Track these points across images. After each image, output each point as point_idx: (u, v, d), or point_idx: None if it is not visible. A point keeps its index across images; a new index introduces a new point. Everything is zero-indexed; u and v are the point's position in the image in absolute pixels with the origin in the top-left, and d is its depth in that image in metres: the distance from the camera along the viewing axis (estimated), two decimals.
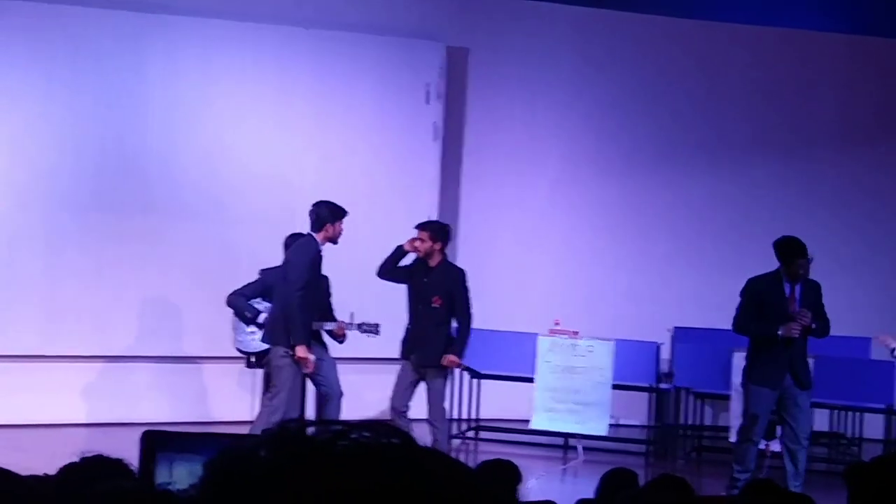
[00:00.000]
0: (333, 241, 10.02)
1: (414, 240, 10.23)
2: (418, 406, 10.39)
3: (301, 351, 9.74)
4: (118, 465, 3.37)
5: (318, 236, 9.95)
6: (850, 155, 14.19)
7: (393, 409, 10.34)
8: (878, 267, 13.94)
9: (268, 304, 10.45)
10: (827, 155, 14.21)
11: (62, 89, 11.78)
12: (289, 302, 9.80)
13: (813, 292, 9.84)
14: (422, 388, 10.39)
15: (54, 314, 11.66)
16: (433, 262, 10.21)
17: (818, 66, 14.24)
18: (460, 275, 10.33)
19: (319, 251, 9.96)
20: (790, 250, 9.83)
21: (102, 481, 2.89)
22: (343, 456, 0.97)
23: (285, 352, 9.78)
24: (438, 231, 10.31)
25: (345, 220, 10.07)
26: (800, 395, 9.72)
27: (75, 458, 3.43)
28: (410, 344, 10.29)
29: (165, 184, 12.09)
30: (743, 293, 9.99)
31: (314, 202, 10.12)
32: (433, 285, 10.20)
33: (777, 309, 9.77)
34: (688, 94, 14.09)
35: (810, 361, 10.27)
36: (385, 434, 1.01)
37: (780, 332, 9.64)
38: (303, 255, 9.88)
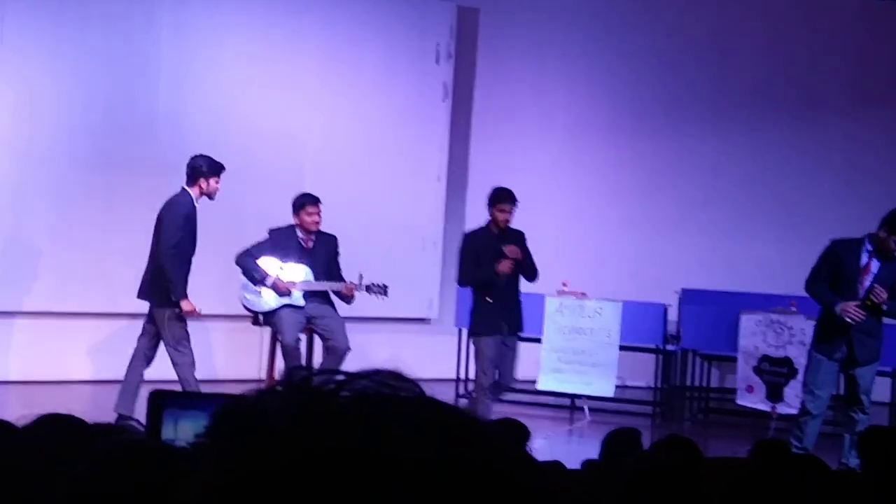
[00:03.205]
0: (210, 196, 9.81)
1: (508, 262, 9.87)
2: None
3: (186, 305, 9.60)
4: (74, 422, 3.38)
5: (193, 191, 9.74)
6: (861, 117, 14.13)
7: (485, 388, 10.11)
8: None
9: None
10: (837, 117, 14.16)
11: (71, 48, 11.76)
12: (164, 261, 9.64)
13: (894, 271, 9.37)
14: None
15: (62, 271, 11.68)
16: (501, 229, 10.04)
17: (830, 28, 14.17)
18: (522, 234, 10.23)
19: (194, 206, 9.73)
20: None
21: (61, 440, 2.92)
22: (346, 406, 0.98)
23: (172, 311, 9.67)
24: None
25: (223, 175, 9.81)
26: (857, 369, 9.49)
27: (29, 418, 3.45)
28: (499, 316, 9.98)
29: (174, 143, 12.07)
30: (822, 253, 9.61)
31: (192, 155, 9.89)
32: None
33: (847, 278, 9.38)
34: (698, 56, 14.04)
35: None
36: (389, 384, 1.01)
37: (837, 310, 9.29)
38: (175, 212, 9.67)
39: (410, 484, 0.93)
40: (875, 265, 9.41)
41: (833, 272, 9.52)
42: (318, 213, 10.44)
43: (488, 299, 9.93)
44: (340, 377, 1.01)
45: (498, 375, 10.18)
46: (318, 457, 0.94)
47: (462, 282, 10.13)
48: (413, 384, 1.02)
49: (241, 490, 0.95)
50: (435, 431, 0.97)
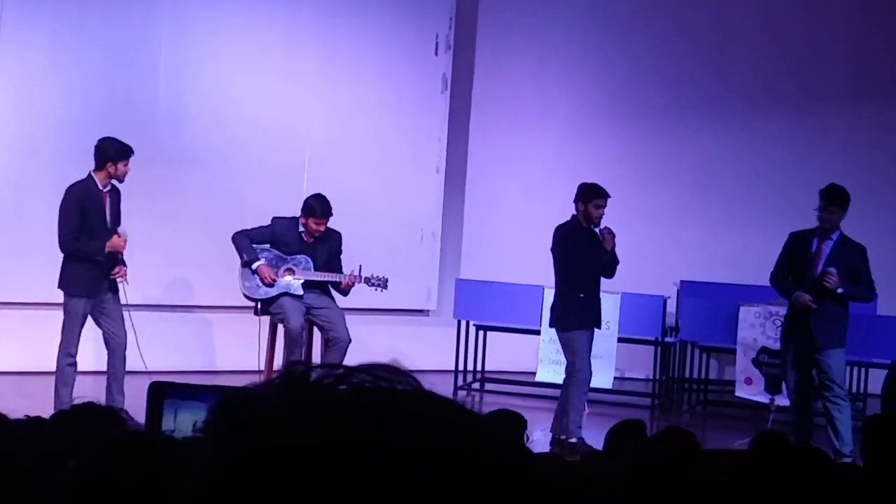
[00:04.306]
0: (119, 179, 9.52)
1: (611, 239, 9.89)
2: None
3: (111, 245, 9.33)
4: (109, 412, 3.42)
5: (99, 175, 9.46)
6: (860, 111, 14.12)
7: (588, 383, 10.02)
8: (886, 224, 13.90)
9: (277, 252, 10.52)
10: (837, 110, 14.15)
11: (70, 40, 11.74)
12: (63, 250, 9.41)
13: (849, 255, 9.54)
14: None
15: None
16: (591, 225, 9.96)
17: (829, 21, 14.16)
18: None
19: (97, 190, 9.44)
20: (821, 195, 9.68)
21: (95, 429, 2.93)
22: (345, 399, 0.98)
23: (70, 301, 9.45)
24: None
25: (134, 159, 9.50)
26: (819, 354, 9.60)
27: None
28: (590, 311, 9.94)
29: (173, 134, 12.08)
30: (782, 247, 9.92)
31: (100, 138, 9.60)
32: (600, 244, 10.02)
33: (801, 267, 9.61)
34: (698, 49, 14.03)
35: None
36: (386, 377, 1.01)
37: (793, 299, 9.55)
38: (67, 200, 9.44)
39: (409, 474, 0.93)
40: (826, 247, 9.52)
41: (789, 263, 9.76)
42: (325, 225, 10.45)
43: (581, 294, 9.86)
44: (338, 371, 1.01)
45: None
46: (318, 448, 0.94)
47: (578, 271, 9.86)
48: (411, 378, 1.02)
49: (240, 481, 0.95)
50: (434, 423, 0.97)
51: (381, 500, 0.92)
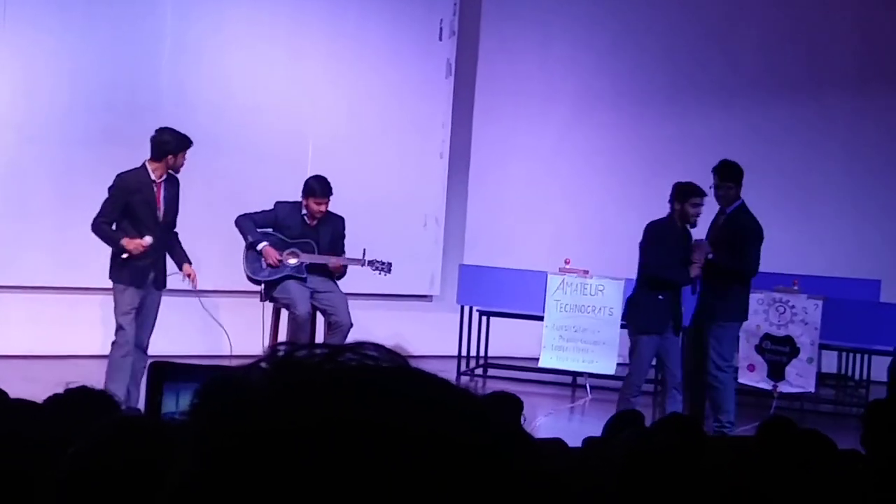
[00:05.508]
0: (175, 170, 9.41)
1: (698, 267, 9.62)
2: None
3: (127, 244, 9.18)
4: (103, 397, 3.41)
5: (154, 166, 9.29)
6: (867, 95, 14.08)
7: (637, 388, 9.87)
8: (891, 208, 13.88)
9: (280, 236, 10.52)
10: (843, 95, 14.12)
11: (75, 23, 11.73)
12: (92, 227, 9.35)
13: (733, 227, 9.74)
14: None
15: (66, 246, 11.66)
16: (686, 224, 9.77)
17: (838, 5, 14.11)
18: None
19: (149, 180, 9.28)
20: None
21: (89, 414, 2.92)
22: (329, 378, 0.97)
23: (117, 287, 9.39)
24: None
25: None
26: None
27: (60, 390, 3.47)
28: (669, 314, 9.67)
29: (178, 118, 11.99)
30: None
31: (158, 129, 9.44)
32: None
33: None
34: (703, 33, 13.99)
35: (818, 303, 10.28)
36: (372, 355, 1.00)
37: None
38: (116, 188, 9.29)
39: (395, 452, 0.92)
40: (720, 222, 9.86)
41: None
42: (326, 205, 10.44)
43: (661, 297, 9.63)
44: (324, 350, 1.00)
45: (660, 374, 10.03)
46: (303, 428, 0.93)
47: (653, 273, 9.64)
48: (396, 355, 1.01)
49: (225, 465, 0.94)
50: (422, 403, 0.96)
51: (365, 484, 0.91)
